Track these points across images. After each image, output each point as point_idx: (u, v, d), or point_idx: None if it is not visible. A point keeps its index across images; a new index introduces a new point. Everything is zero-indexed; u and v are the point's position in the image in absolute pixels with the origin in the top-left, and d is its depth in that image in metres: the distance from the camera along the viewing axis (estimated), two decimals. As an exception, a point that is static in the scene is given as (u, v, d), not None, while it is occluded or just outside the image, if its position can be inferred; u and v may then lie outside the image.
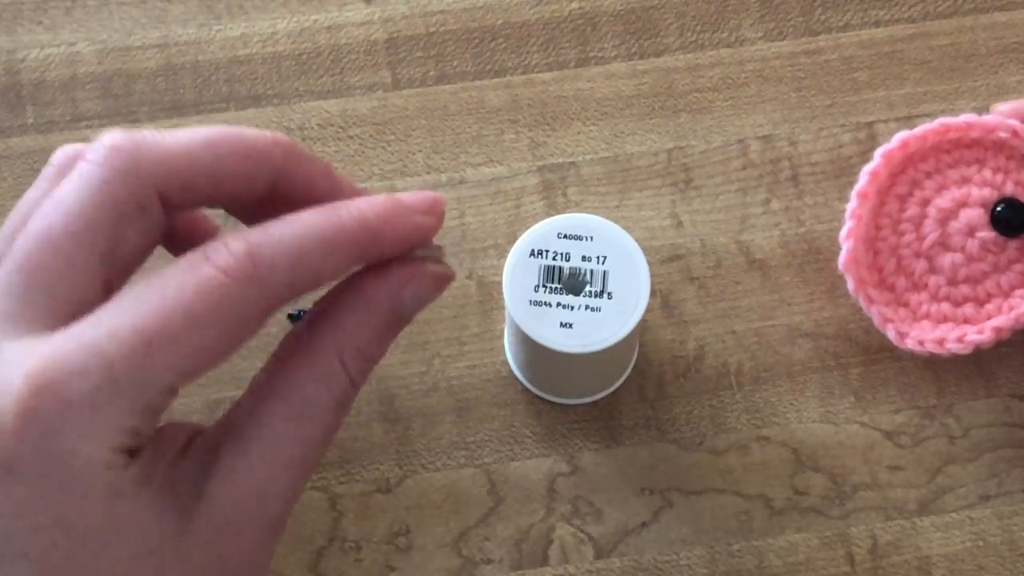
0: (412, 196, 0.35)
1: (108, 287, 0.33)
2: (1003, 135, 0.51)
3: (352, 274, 0.35)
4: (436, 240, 0.52)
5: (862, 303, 0.50)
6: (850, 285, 0.50)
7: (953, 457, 0.51)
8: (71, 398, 0.30)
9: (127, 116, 0.54)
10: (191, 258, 0.32)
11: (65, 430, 0.30)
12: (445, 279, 0.35)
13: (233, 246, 0.32)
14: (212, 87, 0.54)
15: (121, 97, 0.54)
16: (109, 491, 0.31)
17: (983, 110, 0.54)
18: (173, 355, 0.31)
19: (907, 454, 0.51)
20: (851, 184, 0.52)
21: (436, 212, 0.35)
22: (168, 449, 0.33)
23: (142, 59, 0.55)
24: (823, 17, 0.55)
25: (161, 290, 0.31)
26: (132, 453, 0.32)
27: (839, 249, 0.50)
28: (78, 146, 0.34)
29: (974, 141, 0.51)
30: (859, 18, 0.55)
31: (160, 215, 0.33)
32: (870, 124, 0.54)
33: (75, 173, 0.33)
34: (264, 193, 0.35)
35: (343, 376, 0.34)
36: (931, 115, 0.54)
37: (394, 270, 0.35)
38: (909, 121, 0.54)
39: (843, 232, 0.50)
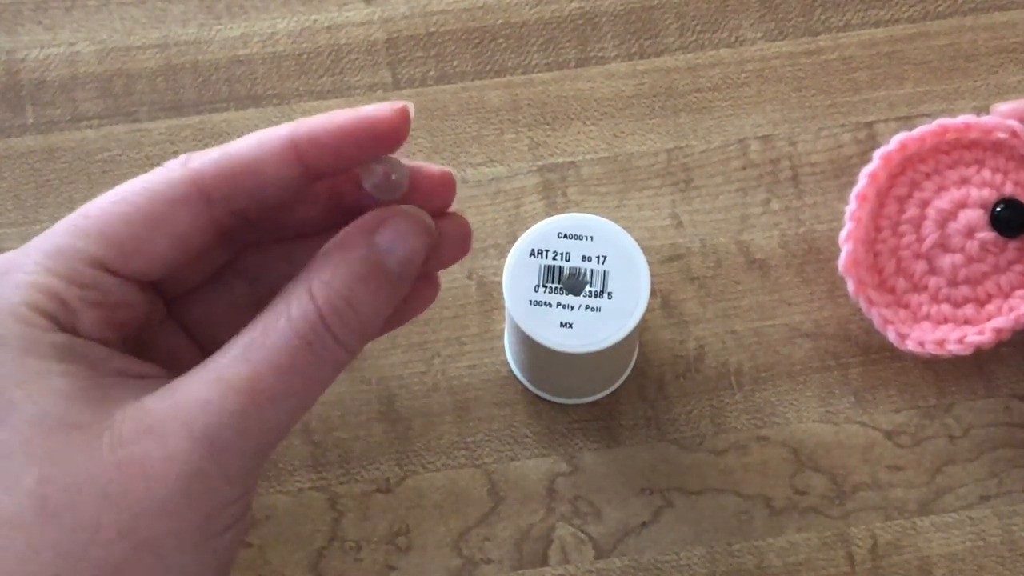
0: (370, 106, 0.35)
1: None
2: (1002, 136, 0.51)
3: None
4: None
5: (863, 305, 0.50)
6: (850, 287, 0.50)
7: (953, 457, 0.51)
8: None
9: (127, 116, 0.54)
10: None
11: None
12: (422, 224, 0.34)
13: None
14: (212, 87, 0.54)
15: (121, 97, 0.54)
16: (20, 343, 0.31)
17: (983, 110, 0.54)
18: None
19: (907, 454, 0.51)
20: (851, 184, 0.52)
21: (387, 107, 0.35)
22: (125, 366, 0.33)
23: (142, 59, 0.55)
24: (823, 17, 0.55)
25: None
26: (59, 325, 0.32)
27: (839, 249, 0.50)
28: None
29: (973, 142, 0.51)
30: (859, 18, 0.55)
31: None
32: (870, 124, 0.54)
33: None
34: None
35: (308, 305, 0.32)
36: (931, 115, 0.54)
37: (370, 214, 0.34)
38: (909, 121, 0.54)
39: (843, 234, 0.50)
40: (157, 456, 0.31)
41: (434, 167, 0.36)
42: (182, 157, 0.34)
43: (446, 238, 0.36)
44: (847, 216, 0.50)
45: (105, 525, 0.30)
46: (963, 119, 0.51)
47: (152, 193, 0.33)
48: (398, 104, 0.35)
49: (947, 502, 0.50)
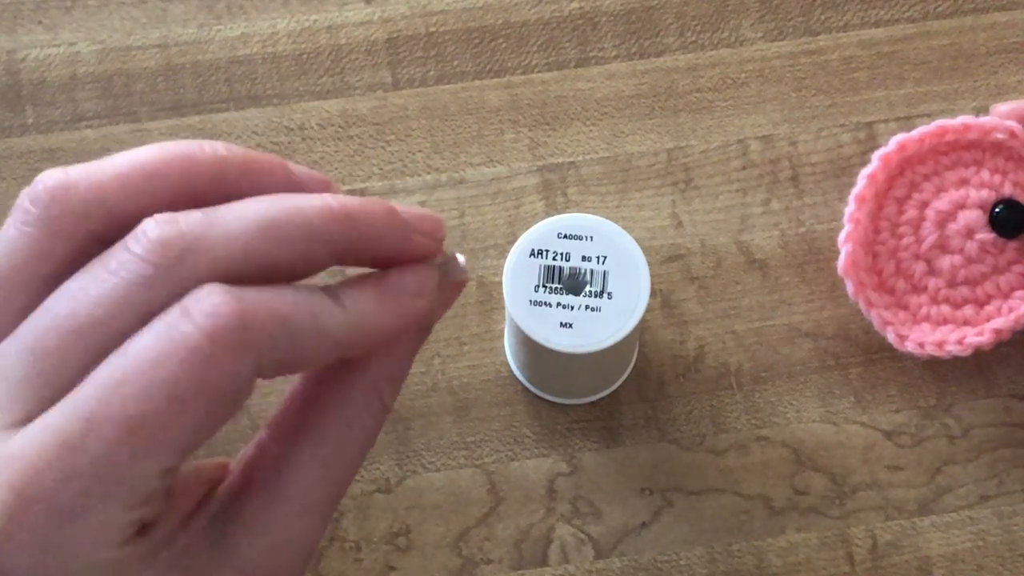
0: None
1: None
2: (1000, 136, 0.51)
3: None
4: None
5: (862, 307, 0.50)
6: (850, 289, 0.50)
7: (953, 457, 0.51)
8: (61, 507, 0.28)
9: (127, 116, 0.54)
10: (169, 318, 0.28)
11: (61, 541, 0.28)
12: (460, 288, 0.34)
13: (218, 301, 0.28)
14: (212, 87, 0.54)
15: (121, 97, 0.54)
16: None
17: (983, 110, 0.54)
18: (161, 442, 0.28)
19: (907, 454, 0.51)
20: (851, 184, 0.52)
21: (437, 236, 0.33)
22: (181, 506, 0.31)
23: (142, 59, 0.55)
24: (823, 17, 0.55)
25: (138, 365, 0.28)
26: (143, 529, 0.30)
27: (839, 250, 0.50)
28: (57, 188, 0.31)
29: (971, 143, 0.51)
30: (859, 18, 0.55)
31: None
32: (870, 124, 0.54)
33: (111, 260, 0.29)
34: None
35: (379, 409, 0.32)
36: (931, 115, 0.54)
37: (412, 282, 0.32)
38: (909, 121, 0.54)
39: (842, 236, 0.50)
40: None
41: (421, 222, 0.33)
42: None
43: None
44: (846, 218, 0.50)
45: None
46: (962, 120, 0.51)
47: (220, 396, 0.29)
48: (438, 227, 0.33)
49: (947, 502, 0.50)
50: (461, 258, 0.34)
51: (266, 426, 0.33)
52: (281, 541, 0.31)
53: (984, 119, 0.51)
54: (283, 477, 0.31)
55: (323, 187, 0.32)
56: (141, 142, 0.54)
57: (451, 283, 0.34)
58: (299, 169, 0.32)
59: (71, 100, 0.54)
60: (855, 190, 0.51)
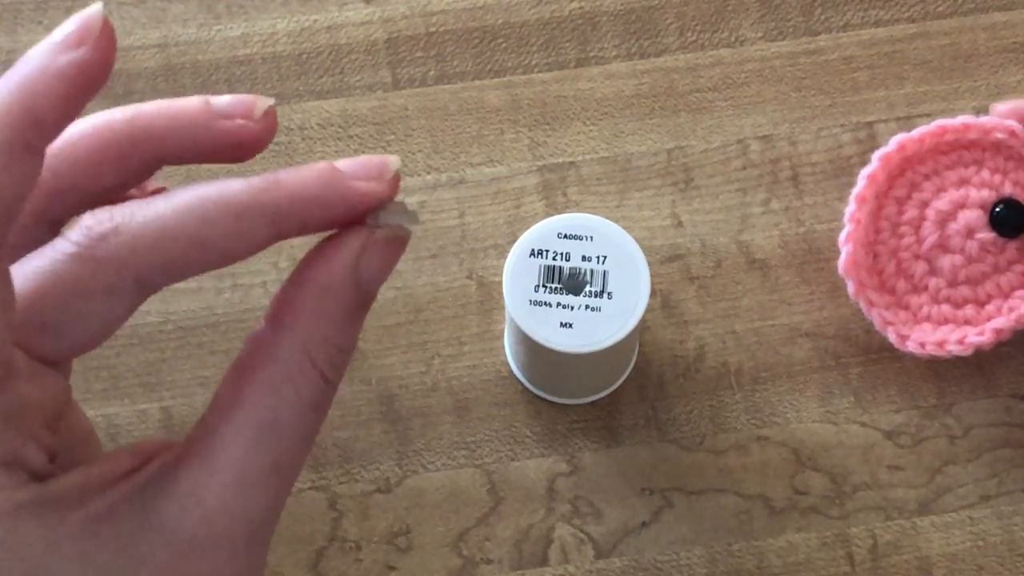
0: (353, 161, 0.31)
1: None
2: (1000, 136, 0.51)
3: (307, 254, 0.32)
4: (439, 241, 0.53)
5: (863, 307, 0.50)
6: (850, 289, 0.50)
7: (953, 457, 0.51)
8: None
9: (127, 116, 0.54)
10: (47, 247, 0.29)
11: None
12: (399, 243, 0.32)
13: (94, 219, 0.29)
14: (212, 87, 0.54)
15: (121, 97, 0.54)
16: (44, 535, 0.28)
17: (983, 110, 0.54)
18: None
19: (907, 454, 0.51)
20: (851, 184, 0.52)
21: (383, 176, 0.31)
22: (103, 471, 0.30)
23: (142, 59, 0.55)
24: (823, 17, 0.55)
25: (19, 276, 0.29)
26: (38, 478, 0.29)
27: (839, 250, 0.50)
28: None
29: (971, 142, 0.51)
30: (859, 18, 0.55)
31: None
32: (870, 124, 0.54)
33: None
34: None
35: (314, 375, 0.31)
36: (931, 115, 0.54)
37: (345, 242, 0.31)
38: (909, 121, 0.54)
39: (842, 236, 0.50)
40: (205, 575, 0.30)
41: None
42: (108, 226, 0.30)
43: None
44: (846, 218, 0.50)
45: None
46: (961, 120, 0.51)
47: (74, 283, 0.29)
48: (384, 168, 0.32)
49: (947, 502, 0.50)
50: (411, 205, 0.33)
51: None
52: (215, 512, 0.30)
53: (984, 119, 0.51)
54: (215, 447, 0.30)
55: (246, 109, 0.31)
56: (141, 142, 0.54)
57: (396, 236, 0.31)
58: (219, 99, 0.31)
59: (71, 100, 0.54)
60: (855, 190, 0.51)
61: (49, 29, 0.55)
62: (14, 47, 0.55)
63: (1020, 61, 0.55)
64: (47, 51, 0.29)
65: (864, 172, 0.51)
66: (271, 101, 0.31)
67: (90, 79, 0.29)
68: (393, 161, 0.31)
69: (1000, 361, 0.51)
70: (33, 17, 0.55)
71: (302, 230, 0.31)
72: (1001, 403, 0.51)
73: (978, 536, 0.50)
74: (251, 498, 0.30)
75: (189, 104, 0.31)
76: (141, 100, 0.54)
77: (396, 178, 0.32)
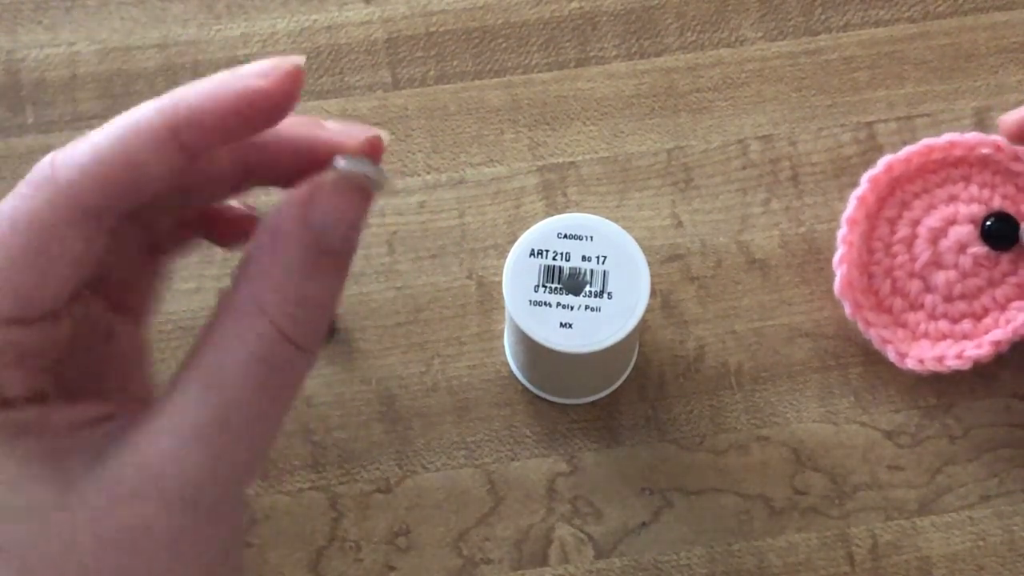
0: (251, 64, 0.30)
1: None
2: (986, 151, 0.51)
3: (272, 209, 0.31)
4: (439, 241, 0.53)
5: (860, 327, 0.50)
6: (847, 310, 0.50)
7: (953, 457, 0.51)
8: None
9: (127, 116, 0.54)
10: None
11: None
12: (355, 190, 0.30)
13: (38, 164, 0.30)
14: (212, 87, 0.54)
15: (121, 97, 0.54)
16: None
17: (983, 110, 0.54)
18: None
19: (907, 454, 0.51)
20: (852, 184, 0.52)
21: (277, 71, 0.30)
22: (73, 416, 0.30)
23: (142, 59, 0.55)
24: (823, 17, 0.55)
25: None
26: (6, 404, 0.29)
27: (839, 249, 0.51)
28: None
29: (958, 159, 0.52)
30: (859, 18, 0.55)
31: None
32: (870, 124, 0.54)
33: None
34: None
35: (262, 323, 0.29)
36: (931, 115, 0.54)
37: (297, 187, 0.30)
38: (909, 121, 0.54)
39: (836, 258, 0.50)
40: (136, 526, 0.29)
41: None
42: (46, 163, 0.31)
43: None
44: (839, 240, 0.51)
45: None
46: (947, 137, 0.51)
47: (28, 227, 0.30)
48: (284, 67, 0.30)
49: (947, 502, 0.50)
50: (388, 175, 0.31)
51: None
52: (150, 462, 0.29)
53: (969, 135, 0.51)
54: (165, 400, 0.30)
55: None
56: (141, 142, 0.54)
57: (349, 182, 0.30)
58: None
59: (71, 100, 0.54)
60: (846, 212, 0.51)
61: (49, 29, 0.55)
62: (14, 47, 0.55)
63: (1020, 61, 0.55)
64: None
65: (854, 194, 0.51)
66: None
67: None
68: (295, 60, 0.30)
69: (1000, 361, 0.51)
70: (33, 17, 0.55)
71: (205, 137, 0.30)
72: (1001, 403, 0.51)
73: (978, 536, 0.50)
74: (189, 452, 0.29)
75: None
76: (141, 100, 0.54)
77: (293, 75, 0.30)
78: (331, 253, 0.30)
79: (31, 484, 0.29)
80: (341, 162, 0.30)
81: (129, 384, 0.33)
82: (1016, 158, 0.51)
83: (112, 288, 0.33)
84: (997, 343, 0.50)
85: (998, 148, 0.51)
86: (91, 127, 0.56)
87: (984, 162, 0.51)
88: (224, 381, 0.29)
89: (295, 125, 0.31)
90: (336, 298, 0.30)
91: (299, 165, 0.31)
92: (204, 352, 0.29)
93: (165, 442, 0.29)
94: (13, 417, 0.30)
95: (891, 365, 0.51)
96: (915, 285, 0.51)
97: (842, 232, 0.51)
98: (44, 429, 0.30)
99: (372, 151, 0.31)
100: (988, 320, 0.50)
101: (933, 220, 0.51)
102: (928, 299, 0.51)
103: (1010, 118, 0.51)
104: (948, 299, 0.51)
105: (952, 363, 0.50)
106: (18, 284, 0.30)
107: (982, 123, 0.54)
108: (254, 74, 0.30)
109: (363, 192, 0.30)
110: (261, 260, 0.29)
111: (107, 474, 0.29)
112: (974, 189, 0.51)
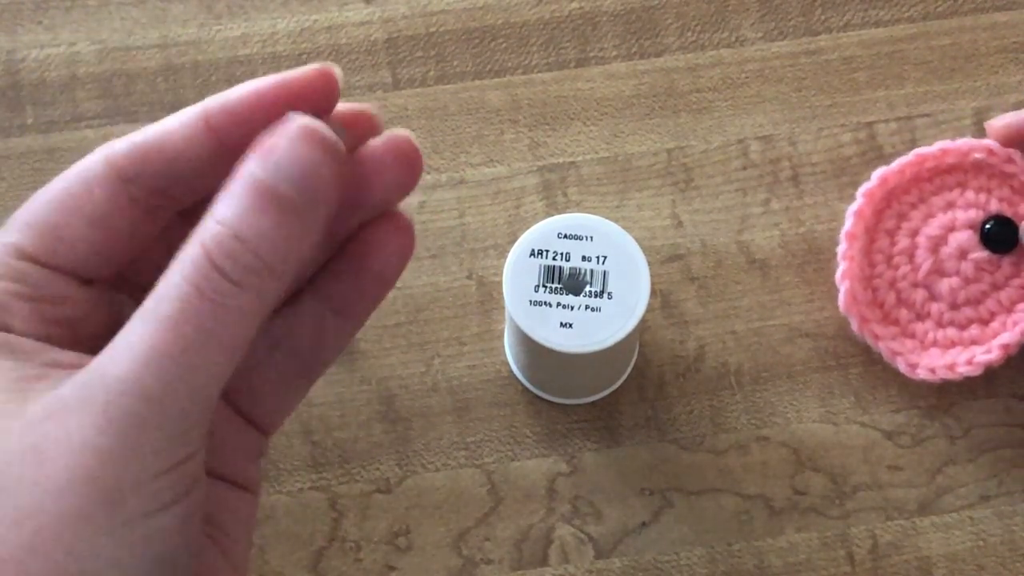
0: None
1: None
2: (979, 156, 0.51)
3: None
4: (439, 241, 0.53)
5: (869, 341, 0.50)
6: (854, 325, 0.50)
7: (953, 457, 0.51)
8: None
9: (127, 116, 0.54)
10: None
11: None
12: (316, 141, 0.29)
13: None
14: (212, 87, 0.54)
15: (121, 97, 0.54)
16: None
17: (983, 110, 0.54)
18: None
19: (907, 454, 0.51)
20: (852, 184, 0.52)
21: (303, 71, 0.32)
22: (57, 358, 0.31)
23: (142, 59, 0.55)
24: (823, 17, 0.55)
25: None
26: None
27: (837, 252, 0.51)
28: None
29: (952, 166, 0.52)
30: (859, 18, 0.55)
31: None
32: (870, 124, 0.54)
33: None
34: None
35: (196, 250, 0.29)
36: (931, 115, 0.54)
37: (262, 136, 0.30)
38: (909, 121, 0.54)
39: (838, 275, 0.50)
40: (54, 437, 0.29)
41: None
42: (106, 144, 0.33)
43: (383, 160, 0.33)
44: (839, 256, 0.51)
45: (3, 515, 0.29)
46: (938, 146, 0.51)
47: (67, 177, 0.32)
48: (313, 66, 0.32)
49: (947, 502, 0.50)
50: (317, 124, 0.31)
51: None
52: (86, 380, 0.29)
53: (960, 141, 0.51)
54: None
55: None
56: (141, 142, 0.54)
57: (311, 132, 0.30)
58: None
59: (71, 100, 0.54)
60: (844, 228, 0.51)
61: (49, 29, 0.55)
62: (14, 47, 0.55)
63: (1020, 61, 0.55)
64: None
65: (850, 210, 0.51)
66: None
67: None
68: (328, 65, 0.32)
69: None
70: (33, 17, 0.55)
71: (231, 119, 0.31)
72: (1001, 403, 0.51)
73: (978, 536, 0.50)
74: (120, 369, 0.29)
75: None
76: (141, 100, 0.54)
77: (328, 75, 0.32)
78: (279, 195, 0.29)
79: (1, 396, 0.30)
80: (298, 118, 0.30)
81: None
82: (1009, 160, 0.51)
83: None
84: (1007, 346, 0.50)
85: (991, 152, 0.51)
86: (91, 127, 0.56)
87: (978, 167, 0.51)
88: (159, 305, 0.29)
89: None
90: (287, 250, 0.30)
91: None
92: (156, 286, 0.30)
93: (104, 363, 0.29)
94: (11, 340, 0.31)
95: (891, 365, 0.51)
96: (920, 295, 0.51)
97: (842, 248, 0.51)
98: (32, 358, 0.31)
99: (327, 96, 0.32)
100: (995, 324, 0.50)
101: (932, 228, 0.51)
102: (934, 307, 0.51)
103: (997, 123, 0.51)
104: (954, 306, 0.51)
105: (964, 370, 0.50)
106: (43, 224, 0.31)
107: (982, 123, 0.54)
108: (286, 73, 0.32)
109: (324, 144, 0.30)
110: (215, 203, 0.30)
111: (54, 391, 0.29)
112: (970, 194, 0.51)
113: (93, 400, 0.29)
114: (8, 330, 0.31)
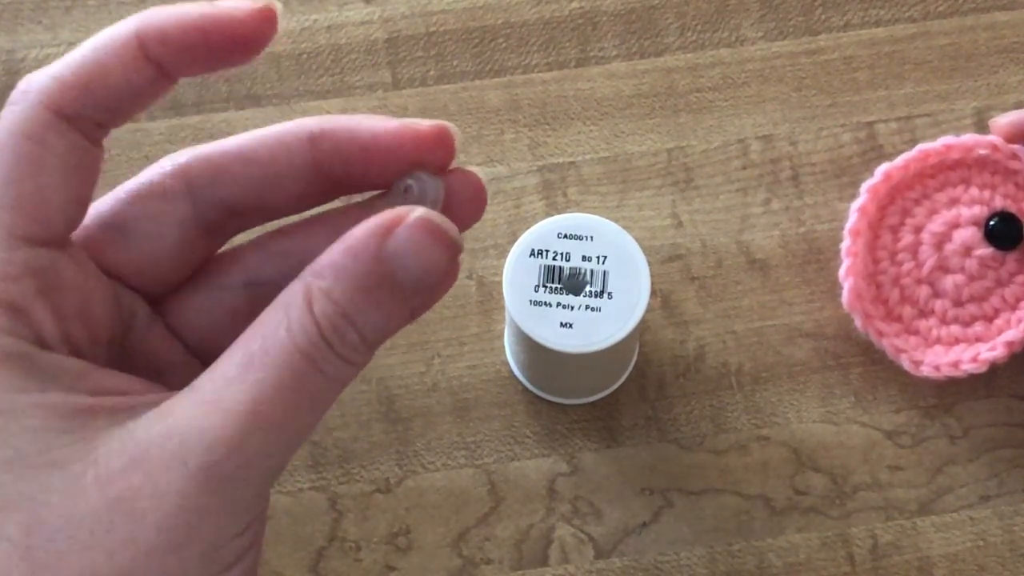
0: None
1: None
2: (983, 152, 0.51)
3: None
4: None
5: (872, 338, 0.50)
6: (858, 322, 0.50)
7: (953, 457, 0.51)
8: None
9: (127, 116, 0.54)
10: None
11: None
12: (432, 231, 0.29)
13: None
14: (212, 87, 0.54)
15: (121, 97, 0.54)
16: None
17: (983, 110, 0.54)
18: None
19: (907, 454, 0.51)
20: (852, 184, 0.52)
21: (243, 8, 0.32)
22: (100, 381, 0.30)
23: (142, 59, 0.55)
24: (823, 17, 0.55)
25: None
26: (41, 344, 0.29)
27: (840, 249, 0.51)
28: None
29: (956, 162, 0.52)
30: (859, 18, 0.55)
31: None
32: (870, 124, 0.54)
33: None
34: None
35: (307, 318, 0.29)
36: (931, 115, 0.54)
37: (383, 210, 0.30)
38: (909, 121, 0.54)
39: (841, 272, 0.50)
40: (147, 493, 0.28)
41: (423, 123, 0.32)
42: (21, 82, 0.31)
43: (455, 197, 0.33)
44: (843, 253, 0.51)
45: (96, 573, 0.28)
46: (942, 141, 0.51)
47: (11, 138, 0.30)
48: (256, 3, 0.32)
49: (947, 502, 0.50)
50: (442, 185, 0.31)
51: None
52: (175, 431, 0.28)
53: (964, 137, 0.51)
54: (203, 376, 0.29)
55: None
56: (140, 142, 0.54)
57: (429, 223, 0.30)
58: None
59: (71, 100, 0.54)
60: (848, 224, 0.51)
61: (49, 29, 0.55)
62: (14, 47, 0.55)
63: (1020, 61, 0.55)
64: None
65: (854, 205, 0.51)
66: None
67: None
68: (271, 1, 0.33)
69: (1000, 361, 0.52)
70: (33, 17, 0.55)
71: (170, 51, 0.31)
72: (1001, 403, 0.51)
73: (978, 536, 0.50)
74: (216, 426, 0.28)
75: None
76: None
77: (267, 13, 0.32)
78: (397, 286, 0.29)
79: (56, 438, 0.28)
80: (414, 186, 0.31)
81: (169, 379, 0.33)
82: (1014, 156, 0.51)
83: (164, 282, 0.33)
84: (1011, 343, 0.49)
85: (995, 148, 0.51)
86: (91, 127, 0.56)
87: (982, 163, 0.51)
88: (265, 363, 0.28)
89: (372, 126, 0.32)
90: (389, 333, 0.30)
91: (378, 172, 0.32)
92: (250, 335, 0.29)
93: (193, 413, 0.28)
94: (43, 358, 0.29)
95: (891, 365, 0.51)
96: (923, 291, 0.51)
97: (845, 244, 0.51)
98: (75, 384, 0.29)
99: (444, 155, 0.32)
100: (1000, 321, 0.50)
101: (936, 225, 0.51)
102: (938, 304, 0.51)
103: (1002, 120, 0.51)
104: (958, 303, 0.51)
105: (968, 367, 0.49)
106: (16, 196, 0.30)
107: (982, 123, 0.54)
108: (225, 4, 0.32)
109: (453, 245, 0.30)
110: (324, 260, 0.29)
111: (129, 437, 0.28)
112: (974, 191, 0.51)
113: (185, 455, 0.28)
114: (41, 341, 0.30)
